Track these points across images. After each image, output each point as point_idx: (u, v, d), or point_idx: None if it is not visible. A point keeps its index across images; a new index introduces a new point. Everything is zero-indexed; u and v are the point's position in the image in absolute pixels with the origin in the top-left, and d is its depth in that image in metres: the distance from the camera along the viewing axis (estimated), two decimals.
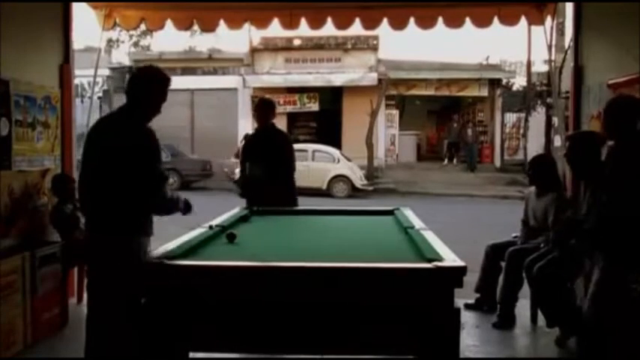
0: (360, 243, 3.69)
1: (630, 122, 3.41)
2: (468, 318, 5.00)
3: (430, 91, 22.46)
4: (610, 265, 3.32)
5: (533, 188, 5.19)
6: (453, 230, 6.77)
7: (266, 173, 5.25)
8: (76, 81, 6.32)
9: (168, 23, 5.99)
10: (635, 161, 3.30)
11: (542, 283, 4.50)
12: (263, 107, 5.58)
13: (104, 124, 3.36)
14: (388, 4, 5.81)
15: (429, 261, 2.76)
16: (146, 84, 3.27)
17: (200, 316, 2.69)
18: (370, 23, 5.91)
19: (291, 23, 5.93)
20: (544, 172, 5.02)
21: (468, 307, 5.26)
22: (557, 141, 14.28)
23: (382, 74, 21.12)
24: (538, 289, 4.58)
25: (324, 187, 17.26)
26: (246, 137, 5.77)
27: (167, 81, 3.33)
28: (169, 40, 33.45)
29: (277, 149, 5.38)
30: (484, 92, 22.39)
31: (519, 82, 25.63)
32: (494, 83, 22.50)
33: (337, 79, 21.27)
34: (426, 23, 5.78)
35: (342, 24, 5.89)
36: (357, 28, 5.98)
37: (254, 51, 22.12)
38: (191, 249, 3.15)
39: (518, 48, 50.10)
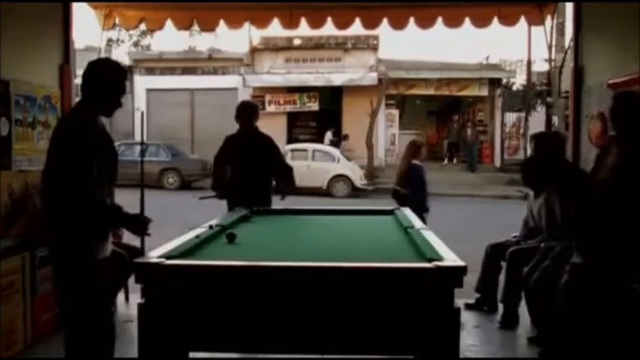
0: (360, 243, 3.69)
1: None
2: (468, 318, 5.00)
3: (430, 91, 22.47)
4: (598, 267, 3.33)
5: None
6: (453, 230, 6.76)
7: (252, 176, 5.25)
8: (76, 81, 6.30)
9: (168, 23, 5.98)
10: None
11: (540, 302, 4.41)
12: (248, 110, 5.55)
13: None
14: (388, 4, 5.81)
15: (429, 261, 2.76)
16: (96, 78, 3.21)
17: (200, 316, 2.69)
18: (370, 23, 5.90)
19: (291, 23, 5.93)
20: (535, 174, 5.00)
21: (468, 307, 5.26)
22: None
23: (382, 74, 21.12)
24: (534, 306, 4.55)
25: (324, 186, 17.26)
26: (228, 139, 5.63)
27: (121, 72, 3.29)
28: (169, 39, 33.51)
29: (266, 152, 5.39)
30: (484, 92, 22.39)
31: (519, 82, 25.67)
32: (494, 83, 22.50)
33: (337, 79, 21.27)
34: (426, 23, 5.78)
35: (342, 24, 5.89)
36: (357, 28, 5.98)
37: (254, 51, 22.13)
38: (191, 249, 3.15)
39: (518, 48, 50.23)
